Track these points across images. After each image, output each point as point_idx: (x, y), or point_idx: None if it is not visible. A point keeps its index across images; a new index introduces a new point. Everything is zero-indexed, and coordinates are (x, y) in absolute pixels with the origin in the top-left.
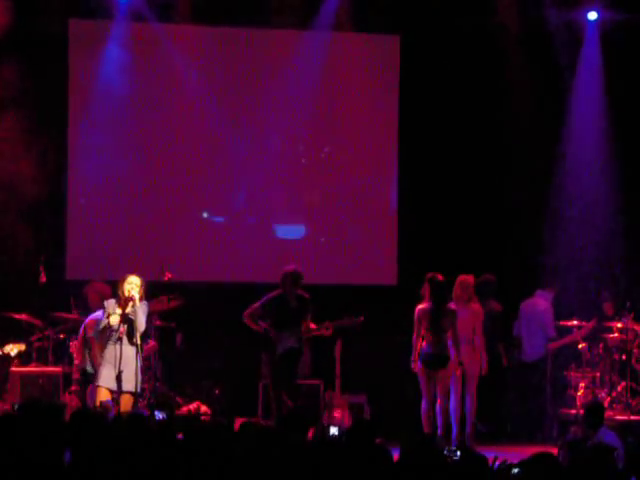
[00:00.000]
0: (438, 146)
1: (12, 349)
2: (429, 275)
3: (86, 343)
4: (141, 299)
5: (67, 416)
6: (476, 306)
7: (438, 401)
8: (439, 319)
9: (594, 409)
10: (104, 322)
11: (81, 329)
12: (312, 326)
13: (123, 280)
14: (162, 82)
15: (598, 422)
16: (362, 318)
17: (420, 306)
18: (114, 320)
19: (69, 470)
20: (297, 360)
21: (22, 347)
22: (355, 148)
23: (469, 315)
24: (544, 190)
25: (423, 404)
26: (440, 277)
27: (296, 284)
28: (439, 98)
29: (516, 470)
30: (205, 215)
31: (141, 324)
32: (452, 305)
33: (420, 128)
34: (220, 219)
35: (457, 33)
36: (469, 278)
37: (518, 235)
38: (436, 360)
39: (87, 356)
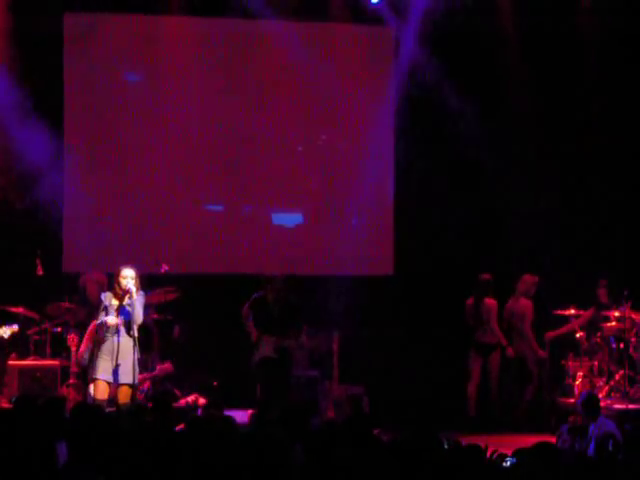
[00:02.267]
0: (435, 136)
1: (5, 332)
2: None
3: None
4: (137, 290)
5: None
6: (524, 301)
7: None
8: (478, 311)
9: (588, 401)
10: (100, 320)
11: (89, 328)
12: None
13: (118, 274)
14: (158, 73)
15: (596, 412)
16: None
17: (467, 301)
18: (112, 321)
19: (68, 463)
20: (274, 369)
21: (15, 329)
22: (351, 137)
23: (517, 308)
24: (540, 180)
25: (470, 386)
26: (485, 276)
27: (279, 289)
28: (435, 88)
29: (509, 461)
30: (201, 206)
31: (138, 316)
32: (490, 300)
33: (416, 117)
34: (216, 209)
35: (454, 24)
36: (529, 277)
37: (513, 225)
38: (480, 346)
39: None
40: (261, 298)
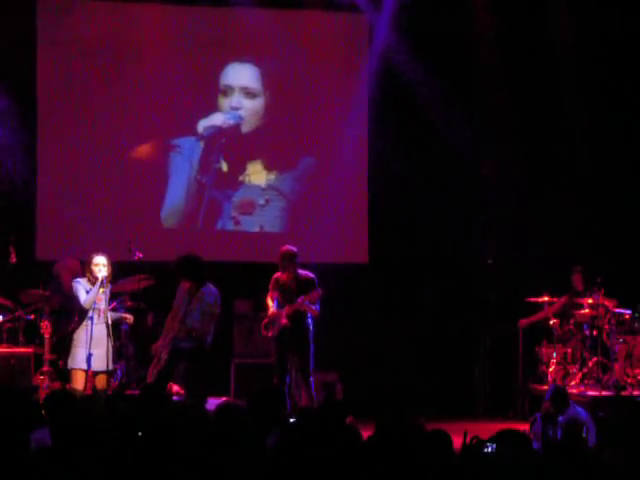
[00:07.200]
0: (409, 123)
1: None
2: None
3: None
4: (109, 277)
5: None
6: None
7: None
8: None
9: (556, 395)
10: (93, 292)
11: None
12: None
13: (90, 261)
14: (126, 58)
15: (564, 403)
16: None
17: None
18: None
19: (50, 450)
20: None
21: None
22: (325, 124)
23: None
24: (514, 164)
25: None
26: None
27: (288, 264)
28: (408, 75)
29: (488, 447)
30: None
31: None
32: None
33: (390, 105)
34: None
35: (426, 11)
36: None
37: (488, 210)
38: None
39: None
40: (278, 277)
